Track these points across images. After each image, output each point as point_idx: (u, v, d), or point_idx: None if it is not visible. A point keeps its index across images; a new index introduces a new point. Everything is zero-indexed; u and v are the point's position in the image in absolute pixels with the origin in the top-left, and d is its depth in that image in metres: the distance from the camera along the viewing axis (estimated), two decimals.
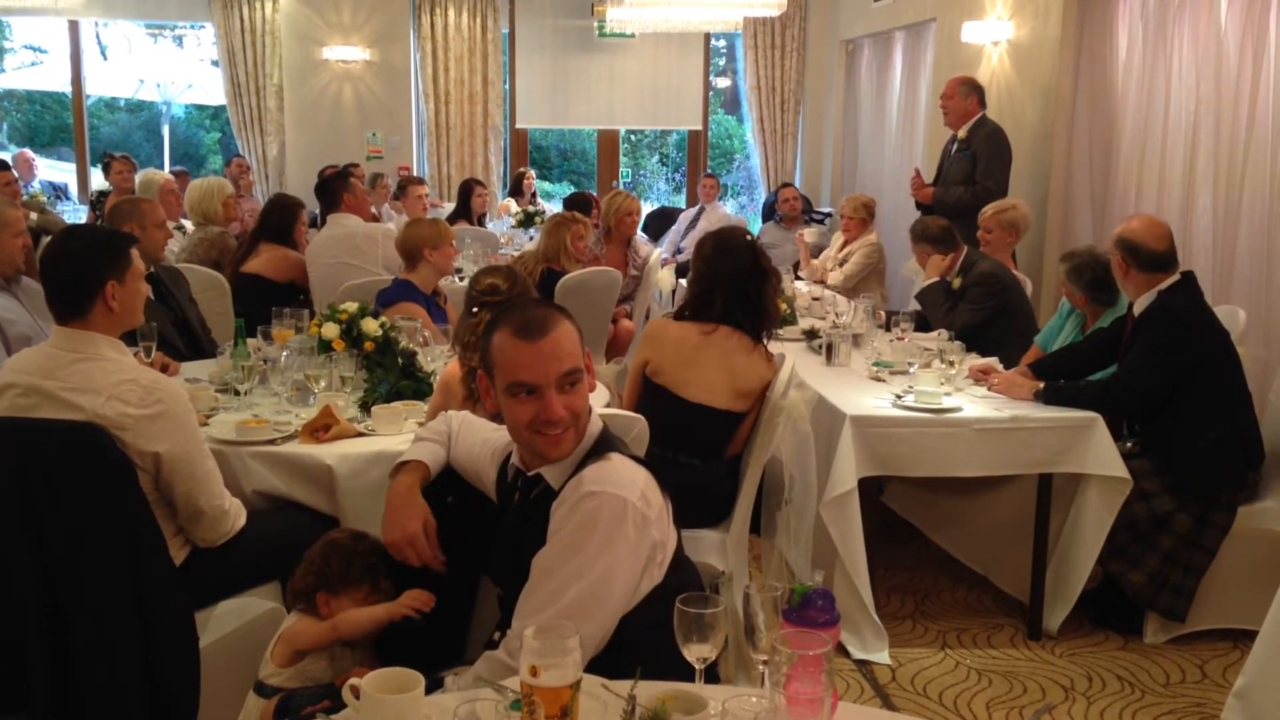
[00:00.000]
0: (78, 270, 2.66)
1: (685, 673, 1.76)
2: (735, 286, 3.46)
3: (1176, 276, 3.82)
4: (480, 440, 2.40)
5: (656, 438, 3.02)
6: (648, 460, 2.11)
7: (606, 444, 2.09)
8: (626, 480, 1.98)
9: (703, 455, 3.46)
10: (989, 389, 3.99)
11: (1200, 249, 5.37)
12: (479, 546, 2.30)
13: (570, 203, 7.37)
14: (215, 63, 11.34)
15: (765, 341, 3.54)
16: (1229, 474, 3.78)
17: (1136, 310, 3.87)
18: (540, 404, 2.00)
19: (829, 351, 4.45)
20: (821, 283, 6.84)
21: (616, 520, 1.93)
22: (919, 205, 6.24)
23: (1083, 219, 6.44)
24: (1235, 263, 5.19)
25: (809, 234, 7.63)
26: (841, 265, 6.92)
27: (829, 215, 9.29)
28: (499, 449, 2.31)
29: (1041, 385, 3.87)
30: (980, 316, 4.82)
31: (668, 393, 3.46)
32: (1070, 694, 3.52)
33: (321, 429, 3.15)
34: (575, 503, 1.96)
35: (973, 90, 6.16)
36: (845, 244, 7.04)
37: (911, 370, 4.03)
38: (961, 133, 6.13)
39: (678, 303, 4.88)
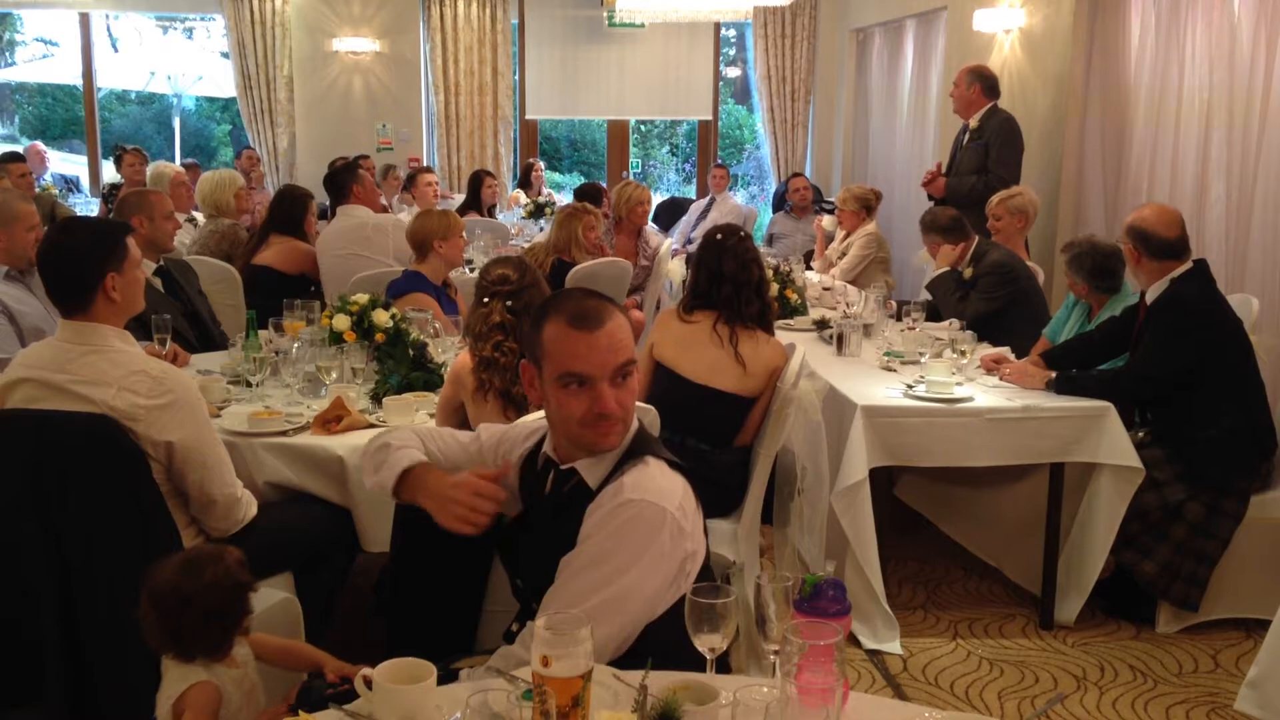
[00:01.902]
0: (77, 266, 2.65)
1: (697, 663, 1.76)
2: (708, 280, 3.65)
3: (1189, 265, 3.80)
4: (458, 444, 2.30)
5: (664, 420, 3.05)
6: (681, 463, 2.05)
7: (644, 444, 2.04)
8: (666, 489, 1.95)
9: (711, 440, 3.49)
10: (1001, 378, 3.98)
11: (1213, 237, 5.34)
12: (486, 538, 2.29)
13: (581, 193, 7.35)
14: (225, 55, 11.37)
15: (760, 327, 3.60)
16: (1241, 463, 3.76)
17: (1149, 299, 3.85)
18: (592, 396, 1.95)
19: (840, 341, 4.44)
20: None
21: (653, 530, 1.90)
22: (931, 197, 6.22)
23: (1095, 208, 6.41)
24: (1248, 251, 5.16)
25: (827, 221, 7.59)
26: (842, 258, 6.89)
27: None
28: (505, 438, 2.27)
29: (1053, 374, 3.86)
30: (992, 306, 4.80)
31: (670, 372, 3.58)
32: (1082, 684, 3.52)
33: (333, 420, 3.16)
34: (613, 509, 1.92)
35: (977, 79, 6.12)
36: (845, 236, 7.02)
37: (923, 360, 4.02)
38: (973, 122, 6.11)
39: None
